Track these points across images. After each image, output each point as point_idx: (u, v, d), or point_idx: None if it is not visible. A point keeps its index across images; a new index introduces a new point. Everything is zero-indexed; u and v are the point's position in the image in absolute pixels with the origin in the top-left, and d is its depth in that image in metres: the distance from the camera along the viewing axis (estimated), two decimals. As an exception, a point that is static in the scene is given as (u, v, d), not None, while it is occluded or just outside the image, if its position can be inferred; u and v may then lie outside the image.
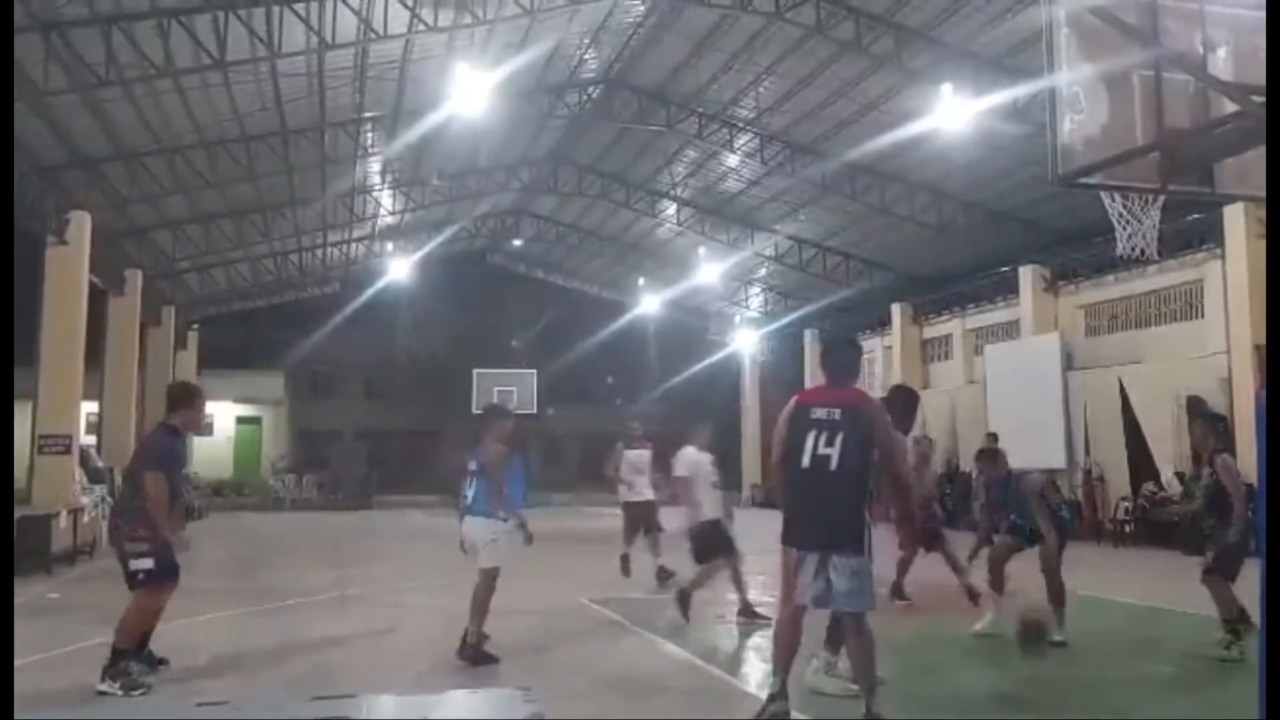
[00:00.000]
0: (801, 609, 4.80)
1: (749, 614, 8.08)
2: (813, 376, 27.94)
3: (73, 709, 5.35)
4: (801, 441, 4.69)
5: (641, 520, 10.89)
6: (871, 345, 26.08)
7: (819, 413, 4.72)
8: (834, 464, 4.59)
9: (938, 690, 5.93)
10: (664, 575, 10.22)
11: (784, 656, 4.88)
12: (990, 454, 8.19)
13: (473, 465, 6.69)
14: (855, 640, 4.74)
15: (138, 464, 6.11)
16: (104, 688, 5.66)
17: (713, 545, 8.23)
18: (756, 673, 6.34)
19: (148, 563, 5.85)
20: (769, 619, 7.11)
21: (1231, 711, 5.08)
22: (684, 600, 7.88)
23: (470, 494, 6.62)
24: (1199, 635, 7.35)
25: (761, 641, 7.68)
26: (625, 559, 10.86)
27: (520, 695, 5.45)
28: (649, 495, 10.90)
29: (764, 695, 4.90)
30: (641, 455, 11.23)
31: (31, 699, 5.36)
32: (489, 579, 6.49)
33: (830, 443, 4.61)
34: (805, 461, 4.66)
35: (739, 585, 8.26)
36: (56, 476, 14.30)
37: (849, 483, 4.59)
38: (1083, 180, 4.63)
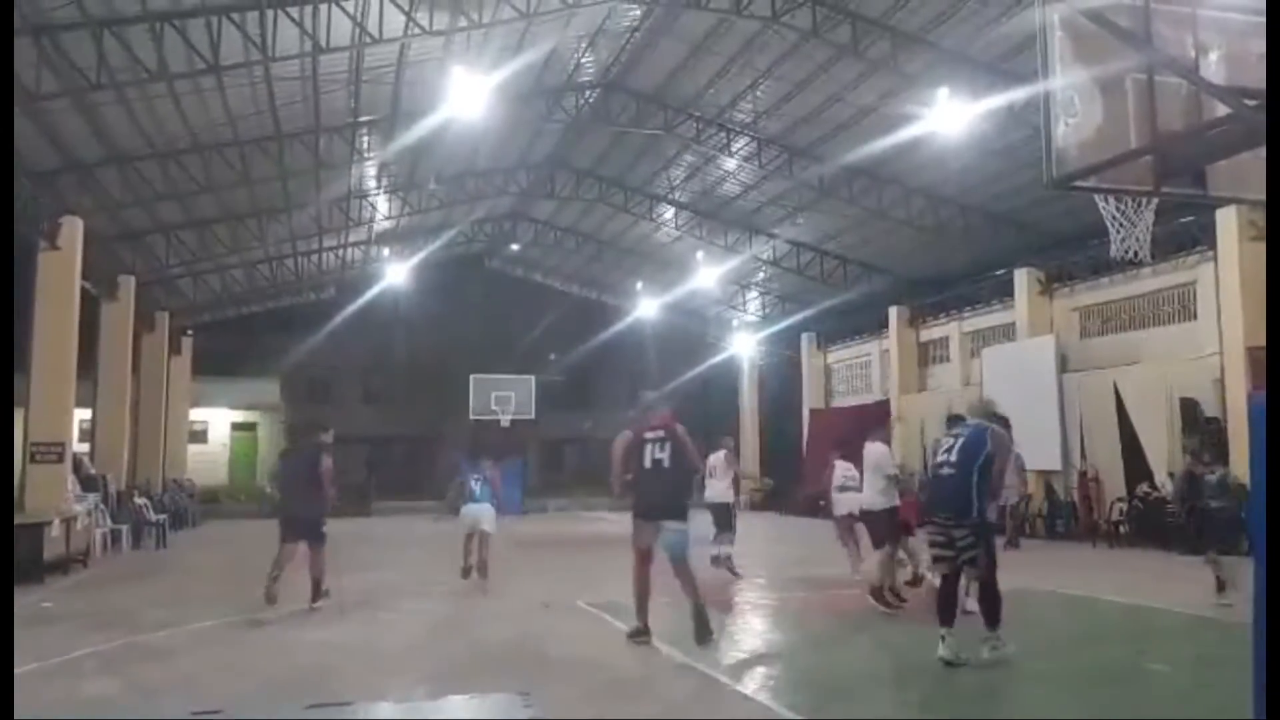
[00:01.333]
0: (645, 557, 7.27)
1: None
2: (809, 379, 27.97)
3: (68, 717, 5.31)
4: (642, 453, 7.28)
5: (718, 519, 11.80)
6: (869, 349, 26.13)
7: (650, 435, 7.37)
8: (666, 464, 7.21)
9: (935, 687, 5.92)
10: (723, 563, 11.51)
11: (641, 598, 7.31)
12: None
13: (476, 477, 11.25)
14: (683, 574, 7.22)
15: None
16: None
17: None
18: (754, 676, 6.33)
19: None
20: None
21: (1229, 711, 5.07)
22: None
23: (478, 490, 11.18)
24: (1195, 635, 7.37)
25: (760, 645, 7.68)
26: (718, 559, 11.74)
27: (519, 700, 5.45)
28: (727, 498, 12.03)
29: (759, 696, 5.08)
30: (717, 457, 12.18)
31: (27, 707, 5.32)
32: (491, 540, 10.99)
33: (661, 450, 7.23)
34: (647, 464, 7.27)
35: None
36: (49, 484, 14.21)
37: (675, 476, 7.26)
38: (1077, 183, 4.63)
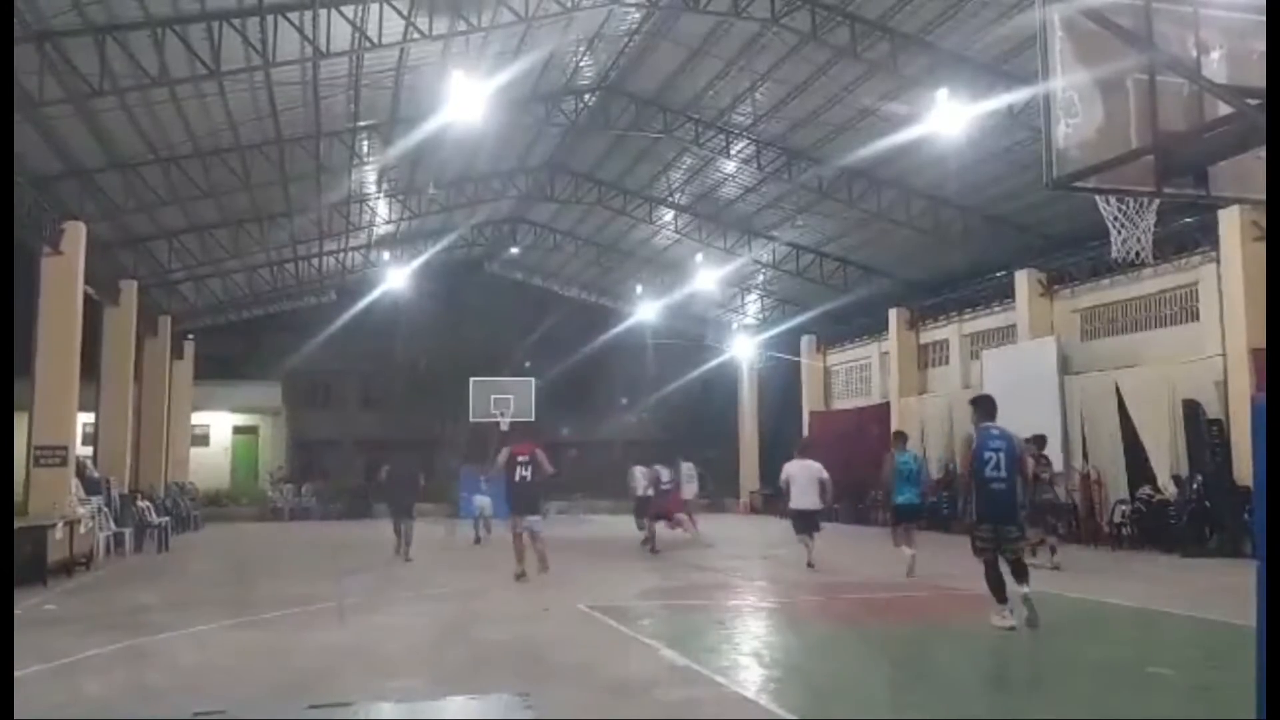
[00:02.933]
0: (520, 535, 11.51)
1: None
2: (809, 381, 27.96)
3: (71, 718, 5.32)
4: (514, 470, 11.46)
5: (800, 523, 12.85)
6: (869, 351, 26.13)
7: (520, 458, 11.48)
8: (529, 478, 11.46)
9: (936, 689, 5.91)
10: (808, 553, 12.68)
11: (519, 555, 11.49)
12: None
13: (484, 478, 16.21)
14: (538, 543, 11.47)
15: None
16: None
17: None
18: (754, 678, 6.33)
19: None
20: None
21: (1232, 714, 5.07)
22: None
23: (485, 487, 16.61)
24: (1197, 637, 7.36)
25: (759, 646, 7.67)
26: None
27: (519, 701, 5.45)
28: (806, 504, 12.74)
29: (760, 698, 5.07)
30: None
31: (30, 709, 5.32)
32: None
33: (526, 468, 11.43)
34: (517, 478, 11.47)
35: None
36: (52, 488, 14.23)
37: (535, 487, 11.59)
38: (1078, 184, 4.63)
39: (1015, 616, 7.47)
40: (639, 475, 17.14)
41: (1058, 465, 17.49)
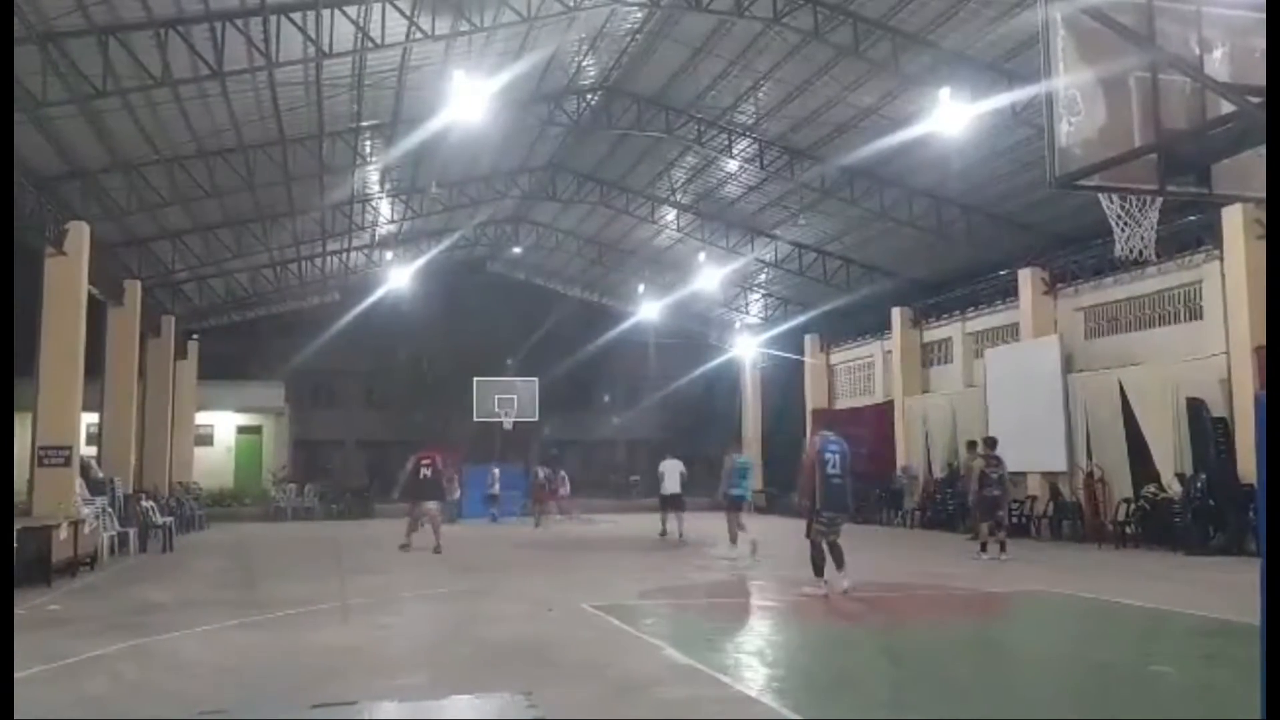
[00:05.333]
0: (416, 519, 15.52)
1: None
2: (812, 380, 27.93)
3: (75, 718, 5.33)
4: (419, 470, 15.35)
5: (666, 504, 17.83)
6: (872, 350, 26.11)
7: (425, 463, 15.42)
8: (430, 476, 15.46)
9: (938, 687, 5.91)
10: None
11: (410, 530, 15.51)
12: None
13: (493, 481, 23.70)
14: (435, 525, 15.31)
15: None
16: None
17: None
18: (758, 677, 6.34)
19: None
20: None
21: (1235, 713, 5.06)
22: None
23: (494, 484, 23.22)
24: (1201, 636, 7.35)
25: (762, 645, 7.68)
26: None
27: (522, 700, 5.45)
28: (670, 490, 17.65)
29: (763, 697, 5.11)
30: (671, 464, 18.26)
31: (34, 709, 5.34)
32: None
33: (428, 469, 15.37)
34: (421, 476, 15.37)
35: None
36: (57, 488, 14.26)
37: (434, 483, 15.64)
38: (1081, 182, 4.62)
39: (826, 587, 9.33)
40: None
41: (1062, 464, 17.55)
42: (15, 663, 6.12)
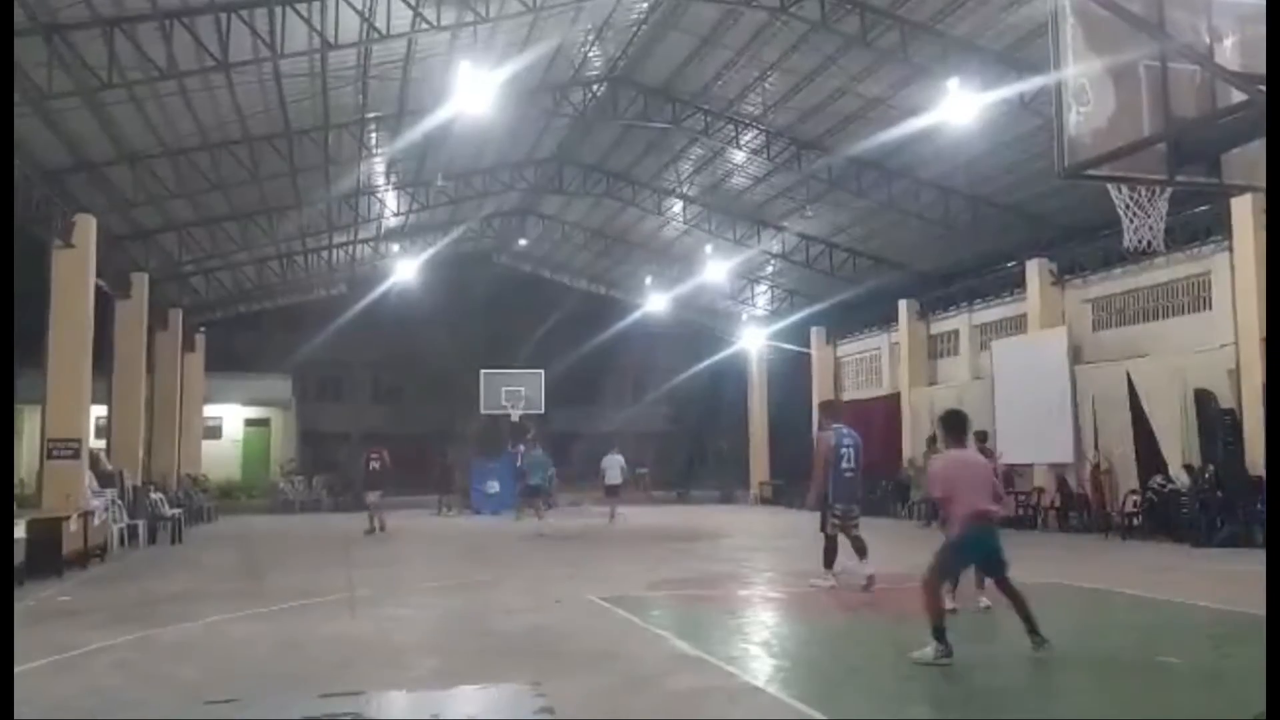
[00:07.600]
0: (374, 505, 17.90)
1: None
2: (819, 372, 27.89)
3: (82, 711, 5.36)
4: (368, 464, 18.48)
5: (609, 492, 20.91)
6: (879, 342, 26.07)
7: (373, 455, 18.59)
8: (378, 469, 18.30)
9: (945, 681, 5.91)
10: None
11: (372, 518, 17.71)
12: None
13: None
14: (380, 512, 17.76)
15: None
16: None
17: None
18: (764, 668, 6.34)
19: None
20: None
21: (1241, 704, 5.05)
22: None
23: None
24: (1207, 627, 7.33)
25: (769, 636, 7.69)
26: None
27: (529, 690, 5.47)
28: (612, 480, 20.95)
29: (770, 688, 5.06)
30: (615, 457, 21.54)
31: (44, 700, 5.38)
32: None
33: (377, 462, 18.37)
34: (368, 469, 18.49)
35: None
36: (66, 481, 14.34)
37: (381, 475, 18.36)
38: (1089, 172, 4.59)
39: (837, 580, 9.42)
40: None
41: (1069, 456, 17.50)
42: (27, 653, 6.18)
